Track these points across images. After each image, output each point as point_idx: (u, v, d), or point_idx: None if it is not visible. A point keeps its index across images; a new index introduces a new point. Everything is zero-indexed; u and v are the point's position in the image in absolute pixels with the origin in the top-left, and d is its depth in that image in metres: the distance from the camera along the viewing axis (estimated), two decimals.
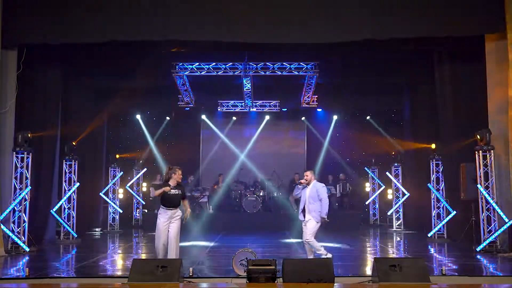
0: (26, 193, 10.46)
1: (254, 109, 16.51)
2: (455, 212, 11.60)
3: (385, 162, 16.58)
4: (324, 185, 8.54)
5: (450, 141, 11.78)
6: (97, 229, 14.50)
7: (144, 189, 16.70)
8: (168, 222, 7.70)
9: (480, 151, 10.42)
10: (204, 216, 14.65)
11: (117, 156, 15.76)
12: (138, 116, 16.90)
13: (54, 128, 11.67)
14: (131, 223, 16.28)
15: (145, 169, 16.33)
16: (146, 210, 16.62)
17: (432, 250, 10.93)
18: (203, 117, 17.46)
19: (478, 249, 10.12)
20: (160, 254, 7.67)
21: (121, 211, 15.00)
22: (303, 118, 17.60)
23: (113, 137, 16.32)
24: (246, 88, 14.30)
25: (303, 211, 8.40)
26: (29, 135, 10.44)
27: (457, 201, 11.50)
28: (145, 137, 17.09)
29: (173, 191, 7.72)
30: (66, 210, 12.30)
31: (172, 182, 7.78)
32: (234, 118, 17.42)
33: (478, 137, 10.35)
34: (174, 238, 7.70)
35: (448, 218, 11.89)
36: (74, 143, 12.54)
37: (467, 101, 11.28)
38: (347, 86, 14.91)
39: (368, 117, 17.09)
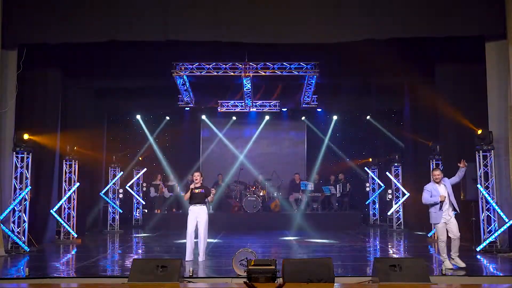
0: (26, 193, 10.47)
1: (254, 109, 16.50)
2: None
3: (385, 162, 16.60)
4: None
5: (450, 141, 11.78)
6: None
7: (144, 189, 16.70)
8: (195, 217, 9.10)
9: (480, 151, 10.43)
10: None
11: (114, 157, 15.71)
12: (138, 116, 16.93)
13: (54, 128, 11.67)
14: (131, 223, 16.30)
15: (145, 169, 16.34)
16: (146, 210, 16.62)
17: (432, 250, 10.92)
18: (203, 117, 17.47)
19: (478, 249, 10.12)
20: (188, 243, 9.12)
21: (121, 211, 15.01)
22: (303, 118, 17.60)
23: (113, 137, 16.31)
24: (246, 88, 14.30)
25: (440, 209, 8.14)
26: (25, 136, 10.43)
27: (457, 201, 11.47)
28: (145, 137, 17.12)
29: (197, 190, 9.16)
30: (66, 210, 12.31)
31: (197, 184, 9.21)
32: (234, 118, 17.41)
33: (480, 132, 10.35)
34: (203, 231, 9.11)
35: None
36: (76, 148, 12.57)
37: (467, 101, 11.28)
38: (347, 86, 14.90)
39: (368, 117, 17.10)
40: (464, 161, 8.44)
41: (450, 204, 8.17)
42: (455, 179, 8.44)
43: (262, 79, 13.70)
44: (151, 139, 17.12)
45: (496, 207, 10.12)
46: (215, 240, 12.17)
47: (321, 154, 17.41)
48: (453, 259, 8.14)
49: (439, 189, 8.18)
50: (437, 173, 8.33)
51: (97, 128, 14.52)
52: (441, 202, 8.11)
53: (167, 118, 17.34)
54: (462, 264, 8.06)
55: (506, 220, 9.91)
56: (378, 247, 12.09)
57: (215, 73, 12.98)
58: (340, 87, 14.99)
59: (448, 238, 8.27)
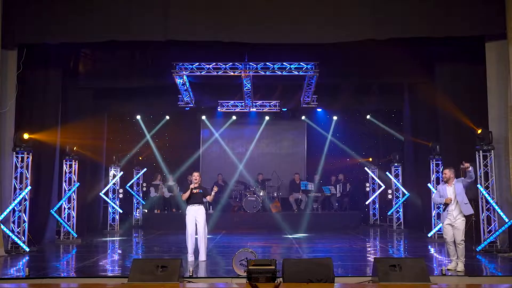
0: (26, 193, 10.47)
1: (254, 109, 16.50)
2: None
3: (385, 162, 16.60)
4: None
5: (450, 141, 11.78)
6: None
7: (144, 189, 16.70)
8: (193, 216, 9.17)
9: (480, 151, 10.43)
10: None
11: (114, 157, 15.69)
12: (138, 116, 16.92)
13: (54, 128, 11.67)
14: (131, 223, 16.29)
15: (145, 169, 16.34)
16: (146, 210, 16.62)
17: (432, 250, 10.92)
18: (203, 117, 17.46)
19: (478, 249, 10.12)
20: (189, 244, 9.21)
21: (121, 211, 15.01)
22: (303, 118, 17.58)
23: (113, 137, 16.31)
24: (246, 88, 14.30)
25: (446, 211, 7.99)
26: (25, 136, 10.42)
27: None
28: (145, 137, 17.11)
29: (195, 190, 9.21)
30: (66, 210, 12.31)
31: (196, 184, 9.24)
32: (234, 117, 17.40)
33: (480, 132, 10.35)
34: (203, 230, 9.17)
35: None
36: (76, 148, 12.57)
37: (467, 101, 11.28)
38: (347, 86, 14.90)
39: (368, 116, 17.09)
40: (463, 163, 8.19)
41: (458, 206, 7.98)
42: (467, 180, 8.12)
43: (262, 79, 13.69)
44: (150, 139, 17.10)
45: (496, 207, 10.13)
46: (215, 240, 12.17)
47: (324, 154, 17.40)
48: (457, 264, 8.06)
49: (446, 190, 8.09)
50: (445, 172, 8.23)
51: (97, 128, 14.51)
52: (446, 204, 8.02)
53: (167, 118, 17.33)
54: (460, 269, 7.91)
55: (506, 220, 9.92)
56: (378, 247, 12.09)
57: (215, 73, 12.98)
58: (340, 87, 14.99)
59: None
